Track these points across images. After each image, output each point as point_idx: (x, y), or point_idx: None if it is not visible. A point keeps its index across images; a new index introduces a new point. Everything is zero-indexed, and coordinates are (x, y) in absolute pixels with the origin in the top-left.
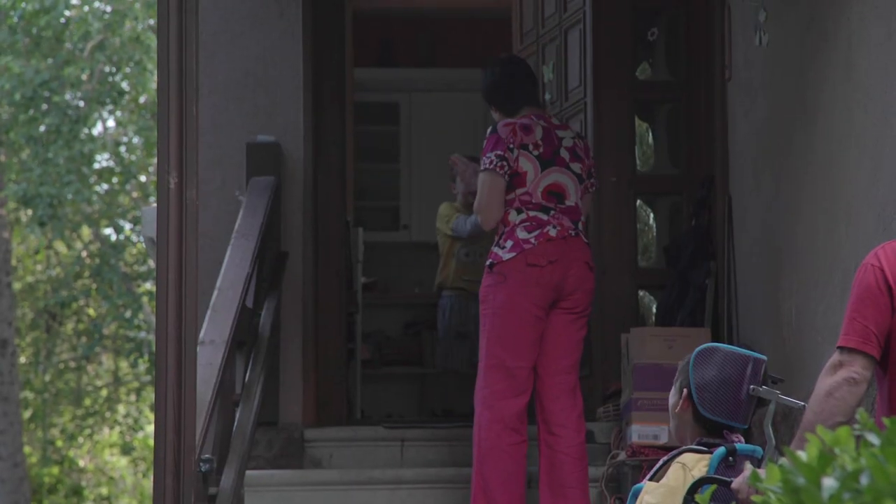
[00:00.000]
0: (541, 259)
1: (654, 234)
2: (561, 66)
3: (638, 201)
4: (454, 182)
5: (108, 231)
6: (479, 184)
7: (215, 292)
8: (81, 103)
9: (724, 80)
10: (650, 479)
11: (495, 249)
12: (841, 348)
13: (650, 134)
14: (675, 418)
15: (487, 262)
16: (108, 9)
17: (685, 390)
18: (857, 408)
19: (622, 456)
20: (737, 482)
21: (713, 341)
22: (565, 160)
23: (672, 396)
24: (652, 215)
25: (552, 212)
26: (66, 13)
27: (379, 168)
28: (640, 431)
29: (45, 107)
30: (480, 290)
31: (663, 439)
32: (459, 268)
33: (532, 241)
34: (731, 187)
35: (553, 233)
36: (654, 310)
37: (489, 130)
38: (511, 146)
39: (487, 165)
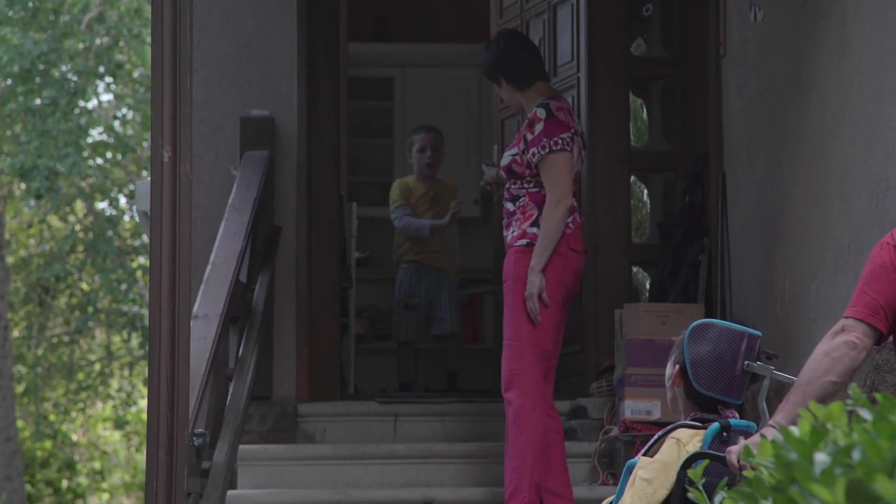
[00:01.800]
0: (579, 245)
1: (648, 210)
2: (548, 40)
3: (632, 177)
4: (411, 153)
5: (103, 205)
6: (557, 164)
7: (209, 267)
8: (76, 77)
9: (719, 57)
10: (644, 455)
11: (531, 230)
12: (846, 318)
13: (644, 110)
14: (671, 391)
15: (522, 241)
16: None
17: (677, 366)
18: (852, 372)
19: (615, 431)
20: (732, 450)
21: (707, 317)
22: (580, 146)
23: (668, 371)
24: (646, 191)
25: (575, 197)
26: None
27: (373, 143)
28: (633, 407)
29: (40, 80)
30: (512, 269)
31: (656, 415)
32: (410, 243)
33: (571, 225)
34: (724, 164)
35: (579, 219)
36: (647, 286)
37: (541, 114)
38: (574, 130)
39: (556, 147)
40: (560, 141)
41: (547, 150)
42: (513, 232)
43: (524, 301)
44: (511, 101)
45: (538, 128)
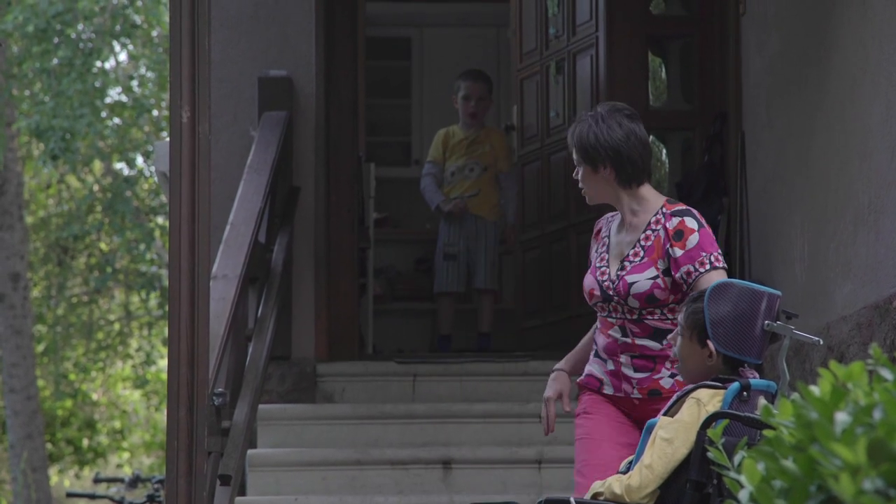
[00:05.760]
0: None
1: (667, 169)
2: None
3: (650, 137)
4: (456, 96)
5: (121, 165)
6: None
7: (228, 227)
8: (94, 36)
9: (739, 15)
10: (664, 414)
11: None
12: None
13: (663, 69)
14: (685, 358)
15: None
16: None
17: (695, 332)
18: None
19: None
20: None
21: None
22: None
23: (676, 338)
24: (664, 151)
25: None
26: None
27: (390, 103)
28: None
29: (57, 40)
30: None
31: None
32: (447, 189)
33: None
34: (744, 123)
35: None
36: None
37: (692, 224)
38: None
39: (718, 264)
40: (721, 257)
41: (708, 266)
42: (668, 378)
43: None
44: (594, 191)
45: (692, 240)
